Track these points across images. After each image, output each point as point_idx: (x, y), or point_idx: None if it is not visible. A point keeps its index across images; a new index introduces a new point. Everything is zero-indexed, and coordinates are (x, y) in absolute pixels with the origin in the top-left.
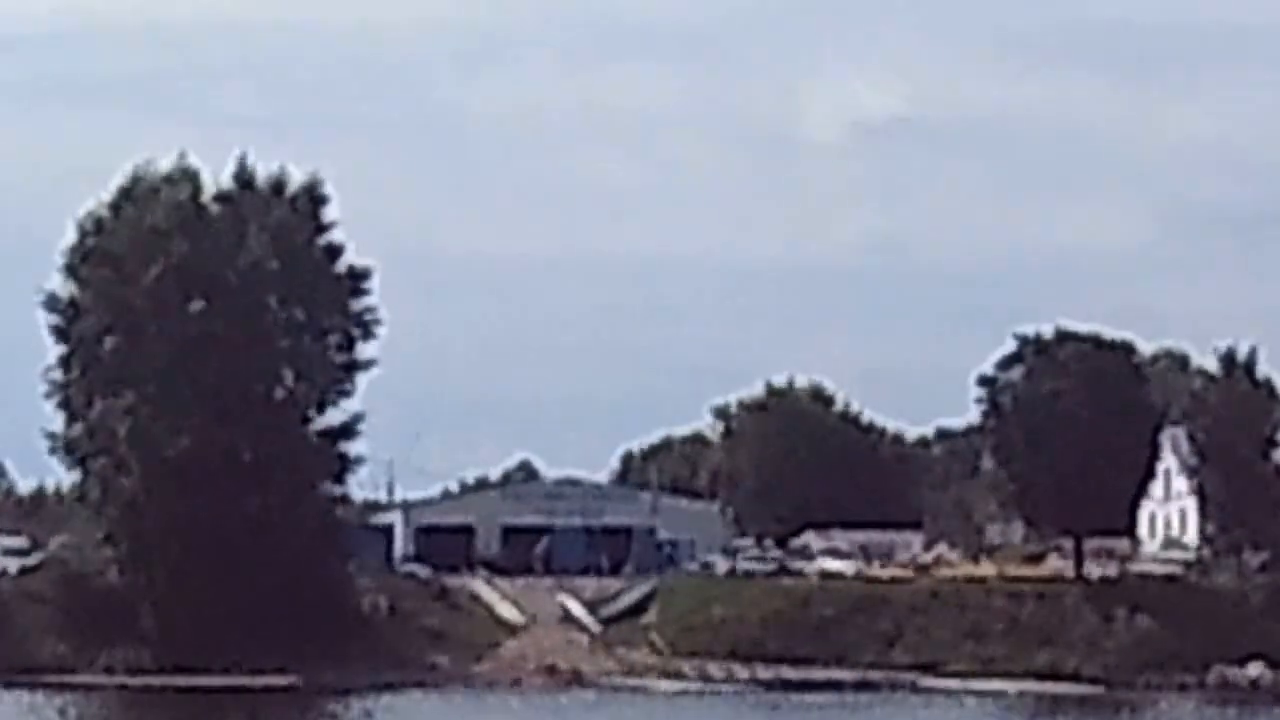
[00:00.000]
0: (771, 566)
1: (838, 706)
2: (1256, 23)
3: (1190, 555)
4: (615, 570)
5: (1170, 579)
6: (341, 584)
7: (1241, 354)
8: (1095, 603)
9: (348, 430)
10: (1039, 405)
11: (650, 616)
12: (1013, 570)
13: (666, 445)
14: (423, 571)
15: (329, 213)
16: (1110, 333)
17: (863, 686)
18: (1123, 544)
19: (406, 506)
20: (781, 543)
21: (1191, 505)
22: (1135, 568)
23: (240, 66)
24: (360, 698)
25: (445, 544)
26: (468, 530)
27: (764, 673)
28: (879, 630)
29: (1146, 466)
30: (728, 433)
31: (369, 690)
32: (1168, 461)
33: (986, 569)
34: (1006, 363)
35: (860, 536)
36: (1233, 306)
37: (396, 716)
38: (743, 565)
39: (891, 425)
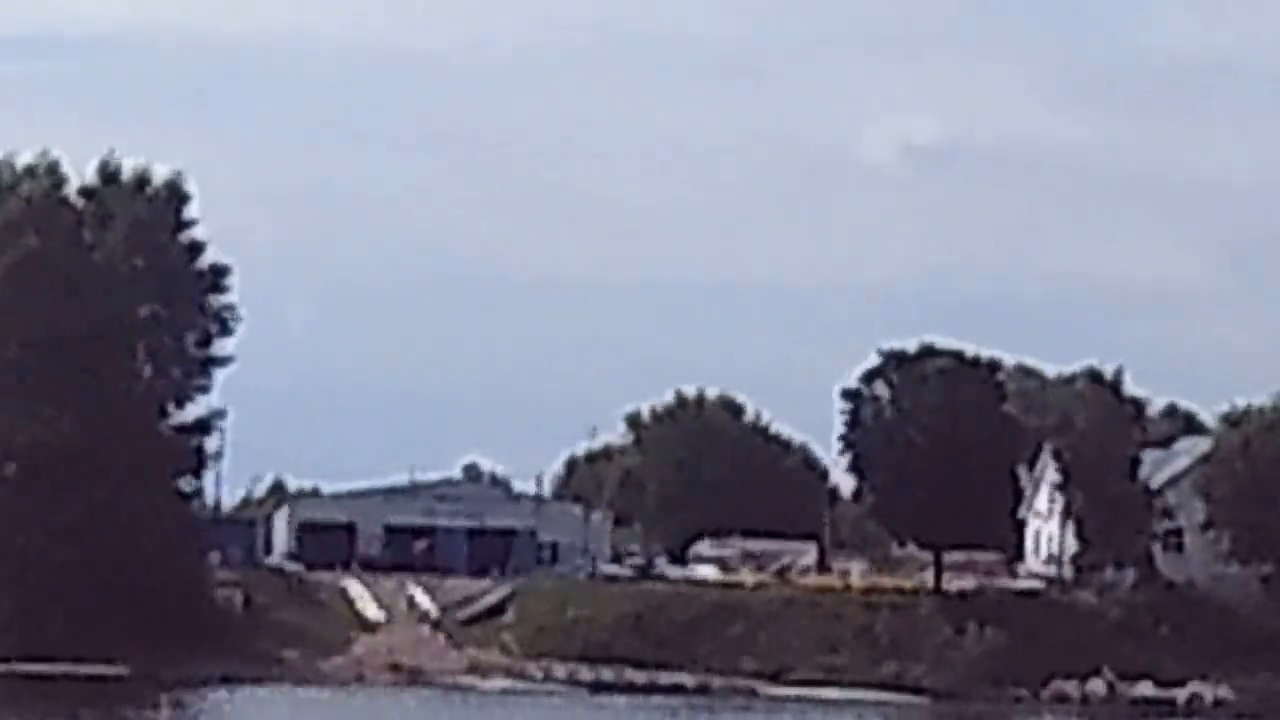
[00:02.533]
0: (630, 571)
1: (662, 710)
2: None
3: (1057, 571)
4: (501, 571)
5: (1031, 594)
6: (195, 577)
7: (1108, 373)
8: (949, 616)
9: (205, 425)
10: (899, 419)
11: (508, 617)
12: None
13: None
14: (290, 566)
15: (190, 210)
16: (973, 349)
17: (702, 691)
18: (992, 558)
19: (291, 502)
20: (683, 549)
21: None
22: (1000, 583)
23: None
24: (192, 690)
25: (328, 541)
26: (350, 528)
27: (608, 675)
28: (730, 636)
29: (1013, 483)
30: (638, 440)
31: (205, 683)
32: (1050, 477)
33: (843, 579)
34: (869, 376)
35: (756, 545)
36: None
37: (213, 708)
38: (604, 569)
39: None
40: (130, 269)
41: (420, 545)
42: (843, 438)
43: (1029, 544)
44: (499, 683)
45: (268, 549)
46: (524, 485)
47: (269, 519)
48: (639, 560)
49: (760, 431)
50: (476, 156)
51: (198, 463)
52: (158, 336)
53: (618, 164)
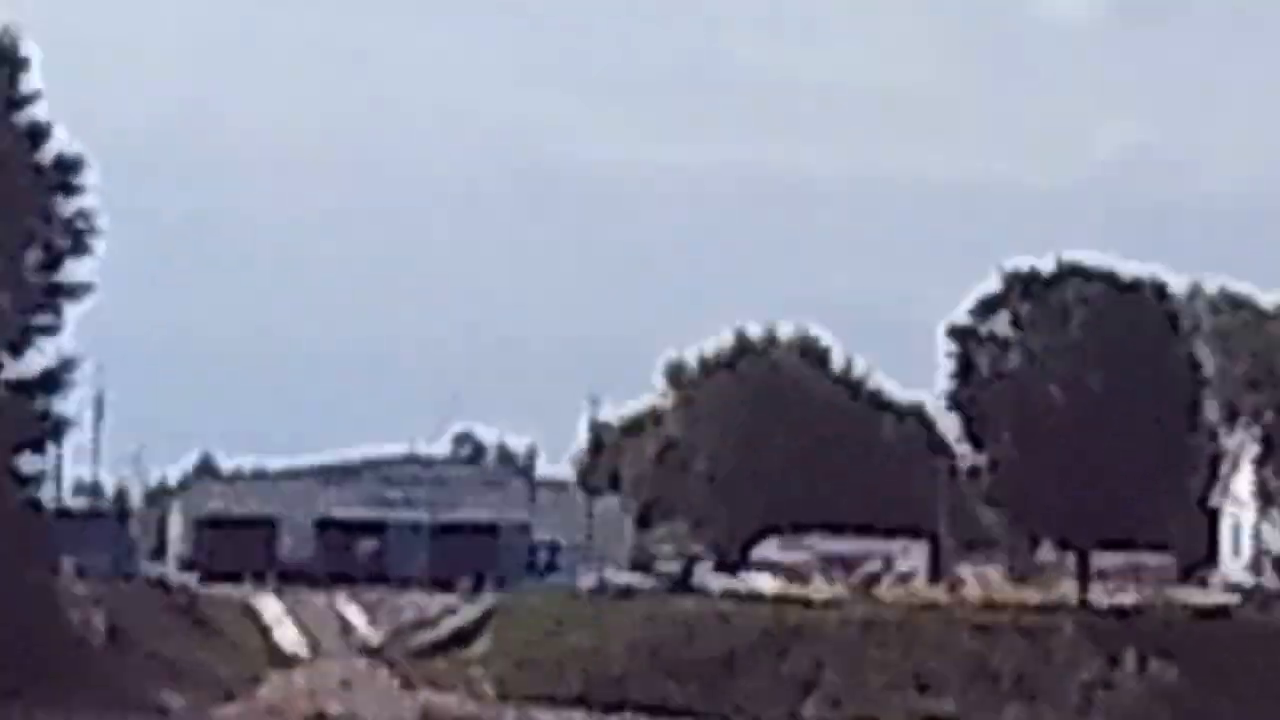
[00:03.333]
0: (656, 584)
1: None
2: None
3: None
4: (476, 584)
5: (1221, 612)
6: (40, 593)
7: None
8: (1099, 643)
9: (53, 380)
10: (1029, 366)
11: (480, 646)
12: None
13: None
14: (180, 578)
15: (30, 80)
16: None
17: None
18: (1166, 562)
19: (185, 490)
20: (743, 553)
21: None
22: (1177, 597)
23: None
24: None
25: (238, 542)
26: (268, 524)
27: None
28: (786, 674)
29: (1188, 454)
30: (685, 401)
31: None
32: (1251, 449)
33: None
34: (987, 307)
35: (843, 545)
36: None
37: None
38: (617, 580)
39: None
40: None
41: (365, 547)
42: (951, 394)
43: (1225, 543)
44: None
45: (160, 554)
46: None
47: (163, 514)
48: (671, 568)
49: (853, 386)
50: None
51: (42, 433)
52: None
53: None
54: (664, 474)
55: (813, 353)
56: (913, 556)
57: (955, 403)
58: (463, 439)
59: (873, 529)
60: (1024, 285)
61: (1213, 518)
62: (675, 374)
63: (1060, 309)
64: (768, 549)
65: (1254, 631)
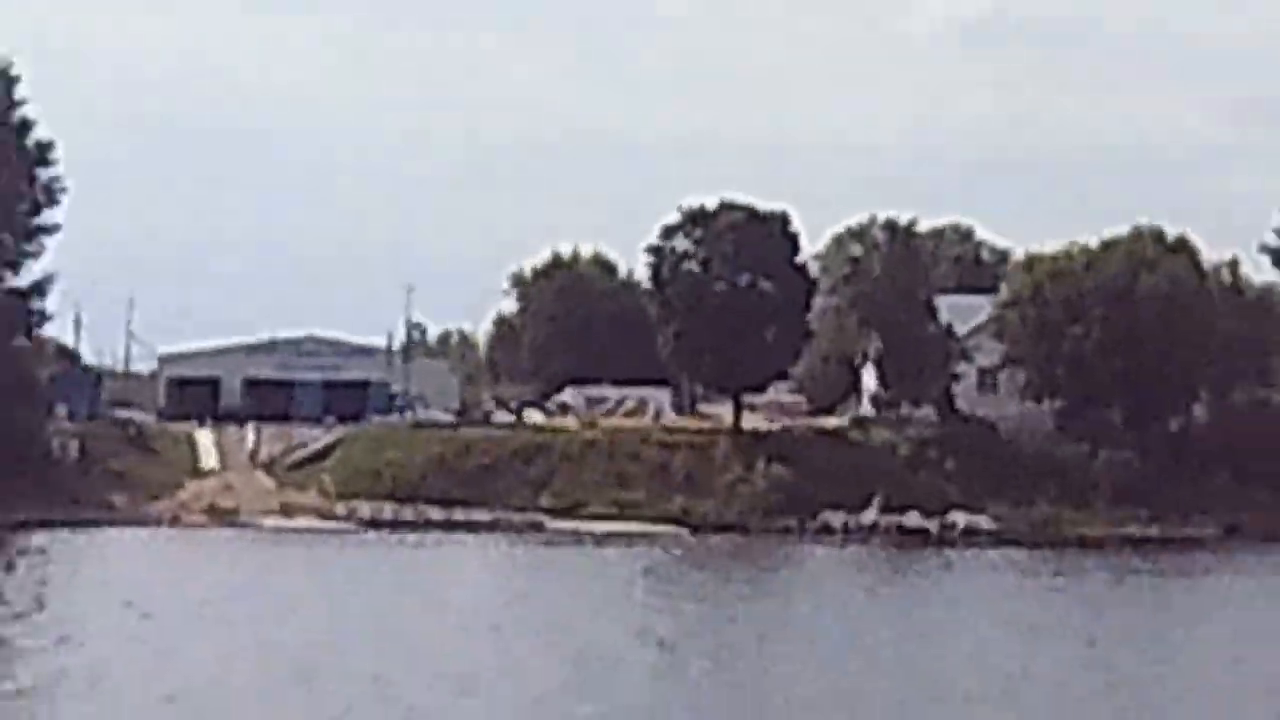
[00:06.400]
0: (449, 417)
1: (443, 542)
2: None
3: (867, 411)
4: (356, 420)
5: (833, 433)
6: (27, 428)
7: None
8: (742, 454)
9: (39, 288)
10: (695, 273)
11: (330, 461)
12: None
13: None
14: (140, 417)
15: (20, 91)
16: (765, 205)
17: (492, 527)
18: (798, 399)
19: (162, 361)
20: (545, 397)
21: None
22: (804, 423)
23: None
24: (14, 533)
25: (194, 395)
26: (214, 383)
27: (409, 514)
28: (530, 477)
29: (804, 327)
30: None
31: (23, 526)
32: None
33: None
34: (669, 232)
35: (613, 392)
36: None
37: (50, 566)
38: (423, 415)
39: None
40: None
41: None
42: (649, 290)
43: (865, 389)
44: (302, 522)
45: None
46: None
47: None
48: (487, 410)
49: (630, 286)
50: None
51: (29, 323)
52: None
53: None
54: (503, 346)
55: (604, 264)
56: (664, 399)
57: (654, 295)
58: (414, 325)
59: (637, 381)
60: (695, 217)
61: (856, 373)
62: (517, 280)
63: (717, 232)
64: (567, 394)
65: (850, 442)
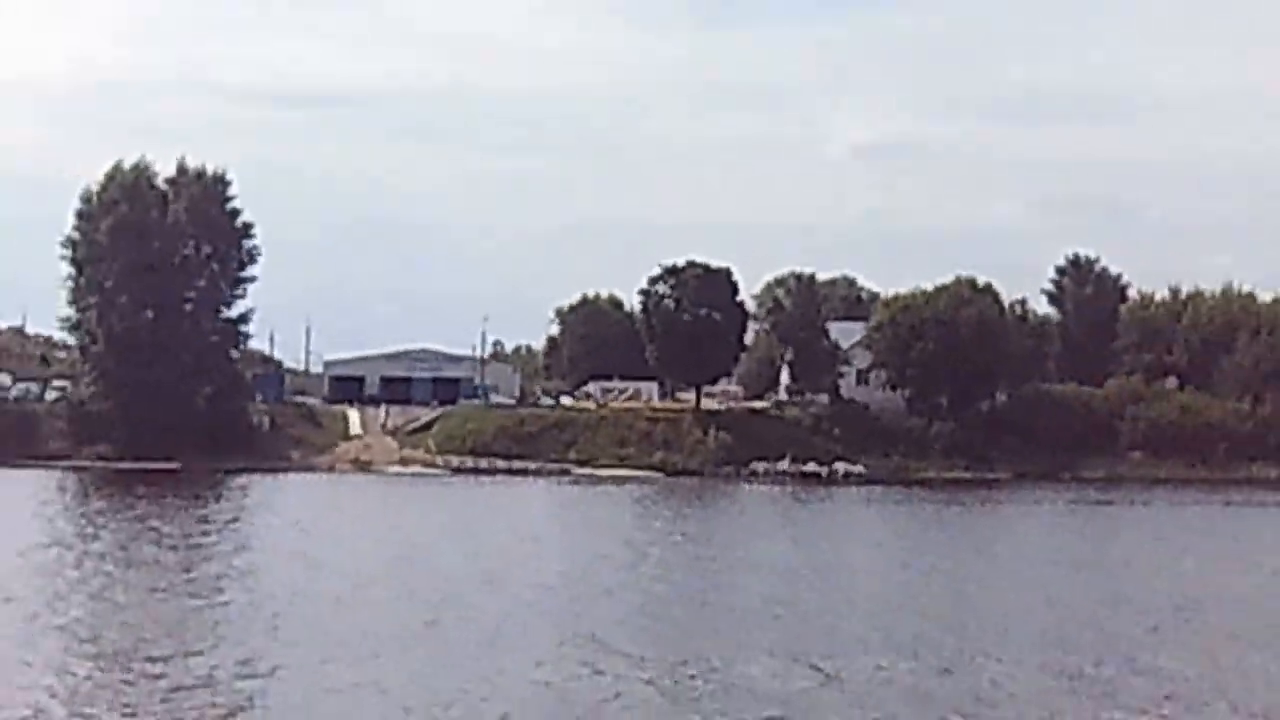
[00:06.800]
0: (511, 401)
1: (530, 490)
2: None
3: (783, 397)
4: (451, 402)
5: (760, 412)
6: (237, 408)
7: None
8: (701, 425)
9: (243, 318)
10: (672, 308)
11: (434, 430)
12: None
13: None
14: (310, 401)
15: (231, 191)
16: (716, 263)
17: (537, 473)
18: (739, 389)
19: (327, 365)
20: (575, 389)
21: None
22: (742, 405)
23: None
24: (224, 476)
25: (350, 387)
26: (360, 379)
27: (483, 464)
28: (562, 440)
29: (742, 343)
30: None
31: (232, 473)
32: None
33: (645, 404)
34: (653, 281)
35: (625, 386)
36: None
37: (251, 492)
38: (494, 399)
39: None
40: (192, 233)
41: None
42: (642, 319)
43: (782, 382)
44: (413, 470)
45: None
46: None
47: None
48: (534, 396)
49: (631, 317)
50: None
51: (237, 340)
52: (211, 268)
53: None
54: (550, 355)
55: (614, 302)
56: (653, 389)
57: (644, 322)
58: (494, 342)
59: (635, 377)
60: (670, 271)
61: (776, 372)
62: (559, 313)
63: (684, 282)
64: (589, 387)
65: (771, 417)
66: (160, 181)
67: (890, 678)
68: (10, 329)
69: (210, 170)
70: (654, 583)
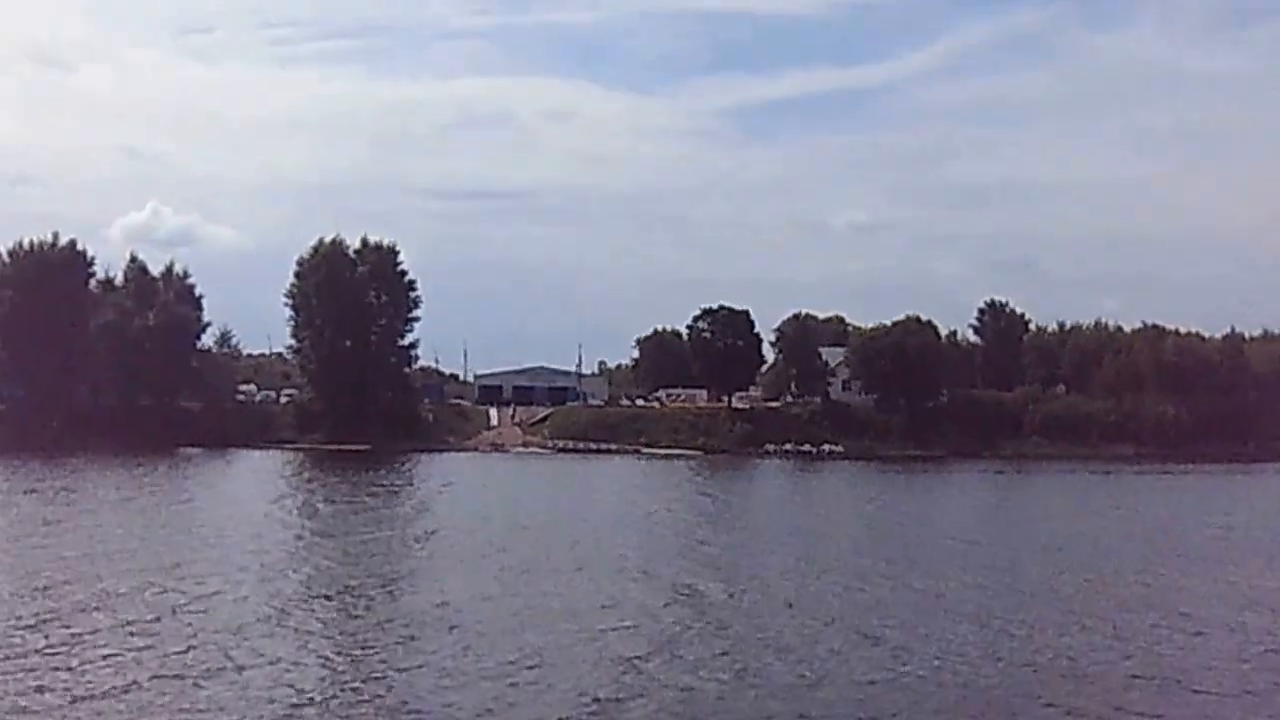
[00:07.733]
0: (600, 403)
1: (612, 463)
2: None
3: (789, 400)
4: (560, 404)
5: (773, 409)
6: (410, 407)
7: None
8: (731, 418)
9: (413, 345)
10: (707, 339)
11: (547, 423)
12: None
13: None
14: (463, 402)
15: (400, 258)
16: (739, 307)
17: (619, 452)
18: (758, 394)
19: (476, 376)
20: (649, 394)
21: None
22: (761, 404)
23: None
24: (404, 455)
25: (491, 393)
26: (499, 387)
27: (581, 446)
28: (636, 429)
29: (760, 361)
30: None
31: (408, 452)
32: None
33: (687, 403)
34: (696, 319)
35: (681, 391)
36: None
37: (421, 464)
38: (591, 401)
39: None
40: (374, 287)
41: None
42: (691, 346)
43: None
44: (533, 450)
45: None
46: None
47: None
48: (618, 398)
49: (685, 344)
50: None
51: (409, 360)
52: (389, 310)
53: None
54: (632, 370)
55: (675, 334)
56: (701, 395)
57: (693, 347)
58: (600, 361)
59: (688, 385)
60: (709, 313)
61: (785, 383)
62: (638, 341)
63: (718, 320)
64: (659, 393)
65: (780, 413)
66: (350, 252)
67: (864, 571)
68: (260, 354)
69: (386, 243)
70: (696, 513)
